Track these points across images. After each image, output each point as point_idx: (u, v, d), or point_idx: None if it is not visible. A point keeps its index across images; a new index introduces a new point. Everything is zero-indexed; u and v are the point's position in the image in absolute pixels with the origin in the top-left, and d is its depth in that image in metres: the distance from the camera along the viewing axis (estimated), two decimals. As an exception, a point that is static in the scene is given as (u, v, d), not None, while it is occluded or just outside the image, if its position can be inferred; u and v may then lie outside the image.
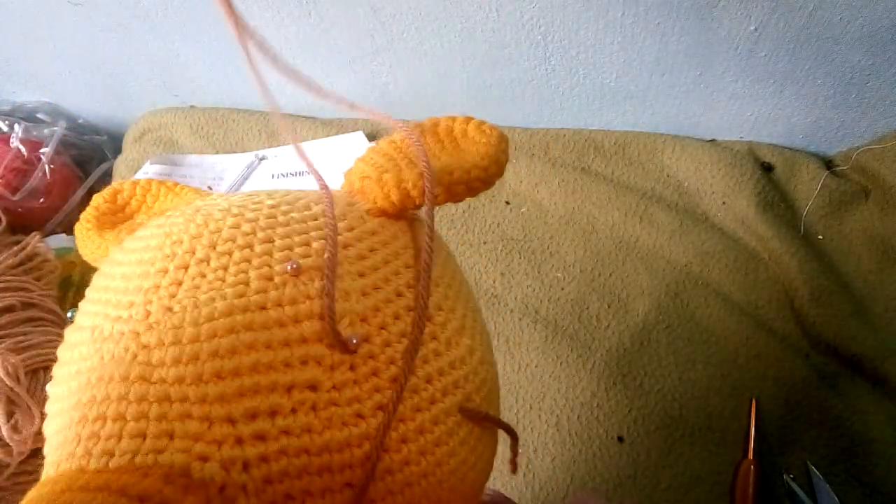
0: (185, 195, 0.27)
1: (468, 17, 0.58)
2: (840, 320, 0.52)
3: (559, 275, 0.60)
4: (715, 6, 0.52)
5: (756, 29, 0.53)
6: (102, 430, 0.17)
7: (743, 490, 0.46)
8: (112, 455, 0.17)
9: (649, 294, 0.57)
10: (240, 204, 0.23)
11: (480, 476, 0.24)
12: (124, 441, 0.17)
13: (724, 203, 0.61)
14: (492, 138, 0.24)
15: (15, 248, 0.56)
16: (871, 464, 0.46)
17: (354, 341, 0.19)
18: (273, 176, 0.71)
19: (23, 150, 0.71)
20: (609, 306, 0.57)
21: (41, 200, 0.70)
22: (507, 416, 0.52)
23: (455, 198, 0.24)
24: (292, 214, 0.22)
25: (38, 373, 0.49)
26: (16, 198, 0.68)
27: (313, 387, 0.18)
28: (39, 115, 0.79)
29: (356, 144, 0.70)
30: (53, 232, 0.70)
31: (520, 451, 0.48)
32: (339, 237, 0.21)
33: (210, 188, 0.70)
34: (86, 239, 0.27)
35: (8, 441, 0.45)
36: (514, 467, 0.28)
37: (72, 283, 0.62)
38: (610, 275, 0.59)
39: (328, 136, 0.71)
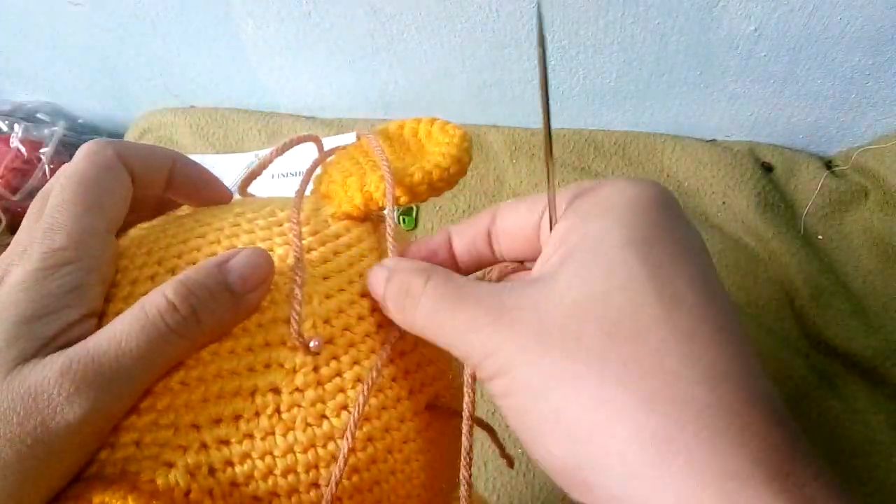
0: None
1: (468, 17, 0.58)
2: (840, 320, 0.52)
3: (559, 275, 0.59)
4: (715, 6, 0.52)
5: (756, 29, 0.53)
6: None
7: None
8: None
9: (649, 294, 0.57)
10: (211, 213, 0.23)
11: (454, 471, 0.25)
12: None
13: (724, 203, 0.61)
14: (454, 139, 0.25)
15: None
16: (871, 464, 0.46)
17: (317, 343, 0.19)
18: (273, 176, 0.71)
19: (23, 150, 0.71)
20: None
21: (41, 200, 0.70)
22: (507, 416, 0.52)
23: (418, 198, 0.24)
24: (258, 221, 0.23)
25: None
26: (16, 198, 0.68)
27: (276, 390, 0.19)
28: (39, 115, 0.79)
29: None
30: (53, 232, 0.70)
31: (520, 451, 0.48)
32: (304, 242, 0.22)
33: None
34: None
35: None
36: (509, 462, 0.28)
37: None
38: (610, 275, 0.59)
39: (328, 136, 0.71)
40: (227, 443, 0.18)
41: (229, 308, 0.19)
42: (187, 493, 0.17)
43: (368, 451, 0.20)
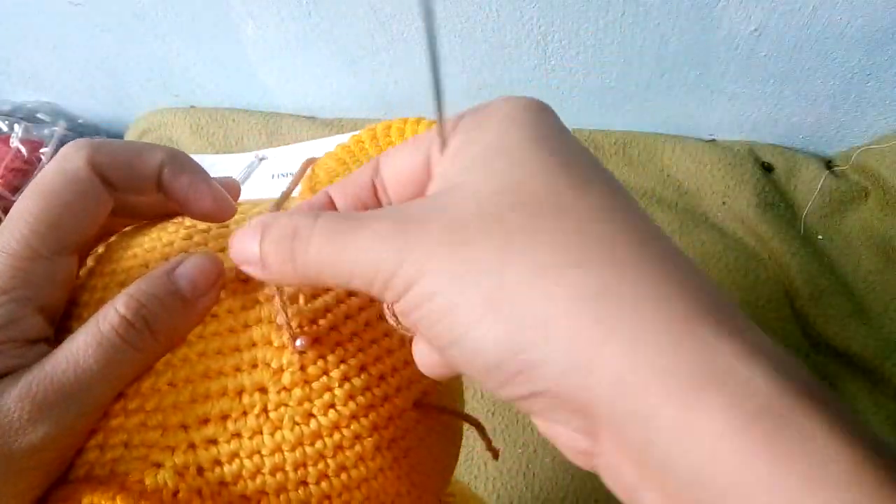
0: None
1: (468, 17, 0.58)
2: (840, 320, 0.52)
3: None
4: (715, 6, 0.52)
5: (756, 29, 0.53)
6: None
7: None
8: (71, 467, 0.18)
9: (649, 294, 0.57)
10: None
11: (445, 468, 0.25)
12: (83, 453, 0.18)
13: (724, 203, 0.61)
14: None
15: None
16: (871, 464, 0.46)
17: (303, 342, 0.19)
18: (273, 176, 0.71)
19: (23, 150, 0.71)
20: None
21: (41, 200, 0.70)
22: (506, 415, 0.52)
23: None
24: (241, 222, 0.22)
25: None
26: (16, 198, 0.68)
27: (263, 389, 0.19)
28: (39, 115, 0.79)
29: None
30: (53, 232, 0.70)
31: (519, 451, 0.48)
32: None
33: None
34: None
35: None
36: (494, 454, 0.28)
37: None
38: (610, 275, 0.59)
39: (328, 136, 0.71)
40: (215, 442, 0.18)
41: (182, 315, 0.19)
42: (176, 493, 0.17)
43: (356, 448, 0.20)
